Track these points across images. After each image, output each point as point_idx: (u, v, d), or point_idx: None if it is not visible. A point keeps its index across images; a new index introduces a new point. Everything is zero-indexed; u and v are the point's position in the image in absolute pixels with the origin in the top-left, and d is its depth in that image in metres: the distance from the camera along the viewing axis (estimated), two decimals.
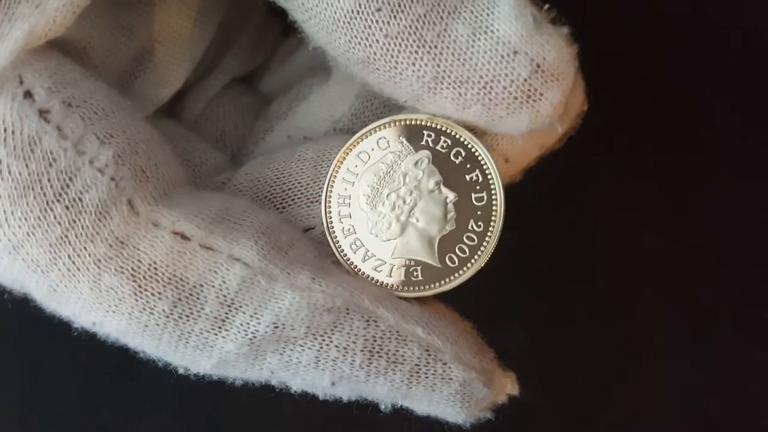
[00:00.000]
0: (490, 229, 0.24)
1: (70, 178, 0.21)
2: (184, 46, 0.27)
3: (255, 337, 0.22)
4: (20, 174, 0.21)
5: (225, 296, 0.22)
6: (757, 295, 0.37)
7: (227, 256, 0.22)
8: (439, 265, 0.24)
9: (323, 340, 0.22)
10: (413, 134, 0.24)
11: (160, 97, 0.28)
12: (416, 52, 0.21)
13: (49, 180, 0.21)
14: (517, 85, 0.21)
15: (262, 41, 0.31)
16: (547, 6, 0.22)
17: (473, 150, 0.23)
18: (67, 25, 0.22)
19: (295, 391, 0.23)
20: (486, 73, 0.21)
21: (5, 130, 0.21)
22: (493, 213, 0.24)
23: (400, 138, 0.24)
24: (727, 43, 0.36)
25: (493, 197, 0.24)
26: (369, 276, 0.24)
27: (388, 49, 0.22)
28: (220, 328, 0.22)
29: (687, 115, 0.36)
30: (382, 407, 0.23)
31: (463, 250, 0.24)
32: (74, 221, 0.21)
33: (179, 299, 0.22)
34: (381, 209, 0.24)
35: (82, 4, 0.22)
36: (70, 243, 0.21)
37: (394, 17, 0.21)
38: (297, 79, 0.29)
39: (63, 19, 0.21)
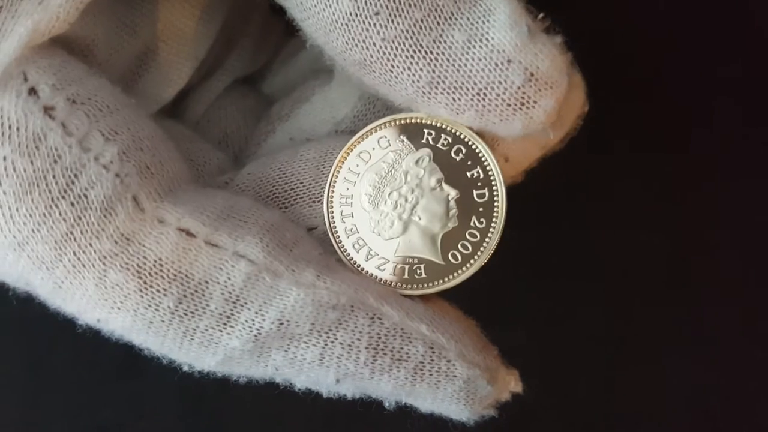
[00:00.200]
0: (492, 225, 0.24)
1: (75, 175, 0.21)
2: (188, 45, 0.27)
3: (260, 333, 0.22)
4: (25, 170, 0.21)
5: (230, 293, 0.22)
6: (757, 295, 0.37)
7: (232, 252, 0.22)
8: (442, 263, 0.24)
9: (328, 337, 0.22)
10: (414, 132, 0.24)
11: (163, 96, 0.28)
12: (412, 56, 0.22)
13: (54, 176, 0.21)
14: (510, 93, 0.22)
15: (264, 42, 0.31)
16: (541, 15, 0.22)
17: (474, 147, 0.23)
18: (70, 21, 0.22)
19: (299, 389, 0.23)
20: (480, 80, 0.22)
21: (10, 126, 0.21)
22: (495, 209, 0.24)
23: (401, 136, 0.24)
24: (727, 43, 0.36)
25: (495, 194, 0.24)
26: (372, 275, 0.24)
27: (384, 53, 0.22)
28: (225, 324, 0.22)
29: (687, 115, 0.36)
30: (386, 405, 0.23)
31: (465, 247, 0.24)
32: (79, 218, 0.21)
33: (184, 296, 0.22)
34: (383, 208, 0.24)
35: (86, 0, 0.22)
36: (75, 239, 0.21)
37: (392, 21, 0.21)
38: (300, 81, 0.29)
39: (66, 15, 0.21)
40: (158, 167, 0.22)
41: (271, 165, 0.25)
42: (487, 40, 0.21)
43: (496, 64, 0.21)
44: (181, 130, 0.28)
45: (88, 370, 0.36)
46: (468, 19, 0.22)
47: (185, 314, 0.22)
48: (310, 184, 0.25)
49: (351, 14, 0.22)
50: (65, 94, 0.21)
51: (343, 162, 0.24)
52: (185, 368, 0.23)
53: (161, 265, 0.21)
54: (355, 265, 0.24)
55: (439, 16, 0.21)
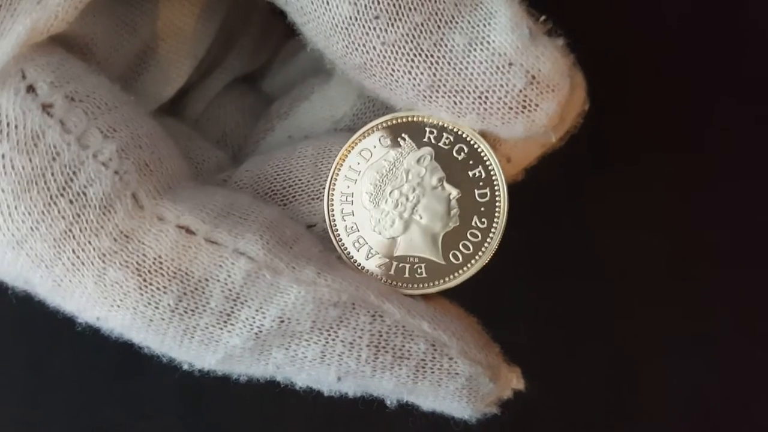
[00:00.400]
0: (494, 225, 0.24)
1: (74, 172, 0.21)
2: (187, 44, 0.27)
3: (260, 331, 0.22)
4: (23, 168, 0.21)
5: (230, 290, 0.22)
6: (757, 295, 0.37)
7: (232, 250, 0.22)
8: (443, 262, 0.24)
9: (329, 334, 0.22)
10: (415, 131, 0.24)
11: (163, 95, 0.28)
12: (413, 60, 0.22)
13: (52, 174, 0.21)
14: (512, 96, 0.22)
15: (264, 41, 0.31)
16: (543, 18, 0.22)
17: (476, 146, 0.23)
18: (69, 20, 0.22)
19: (300, 388, 0.23)
20: (481, 83, 0.22)
21: (8, 124, 0.21)
22: (497, 209, 0.24)
23: (403, 135, 0.24)
24: (727, 44, 0.36)
25: (497, 193, 0.24)
26: (373, 273, 0.24)
27: (384, 57, 0.22)
28: (225, 322, 0.22)
29: (687, 115, 0.36)
30: (388, 403, 0.23)
31: (467, 247, 0.24)
32: (78, 215, 0.21)
33: (184, 293, 0.21)
34: (384, 207, 0.24)
35: (85, 0, 0.22)
36: (74, 237, 0.21)
37: (392, 25, 0.21)
38: (299, 80, 0.29)
39: (65, 14, 0.21)
40: (157, 164, 0.22)
41: (269, 162, 0.25)
42: (488, 43, 0.21)
43: (498, 67, 0.21)
44: (180, 128, 0.28)
45: (88, 370, 0.36)
46: (469, 22, 0.22)
47: (185, 312, 0.22)
48: (308, 181, 0.24)
49: (351, 18, 0.22)
50: (63, 91, 0.21)
51: (344, 160, 0.24)
52: (185, 367, 0.23)
53: (161, 263, 0.21)
54: (356, 264, 0.24)
55: (440, 19, 0.21)
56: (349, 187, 0.24)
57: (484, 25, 0.22)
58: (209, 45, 0.28)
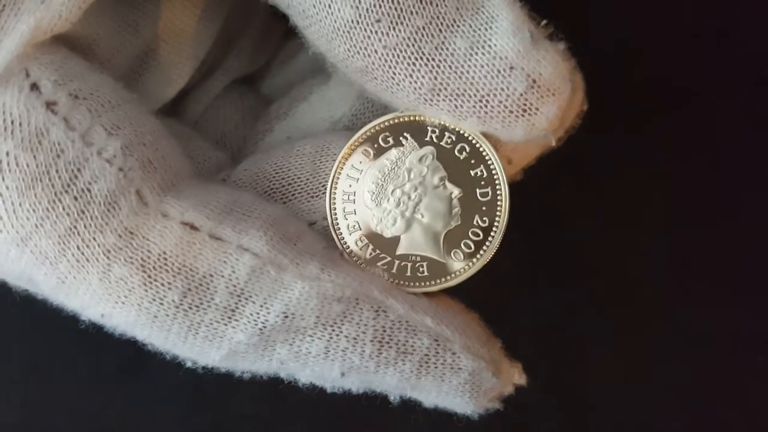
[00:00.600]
0: (495, 224, 0.24)
1: (79, 169, 0.21)
2: (188, 45, 0.27)
3: (265, 327, 0.22)
4: (28, 166, 0.21)
5: (235, 286, 0.22)
6: (758, 296, 0.37)
7: (236, 246, 0.22)
8: (445, 261, 0.24)
9: (333, 330, 0.22)
10: (417, 130, 0.24)
11: (164, 96, 0.28)
12: (414, 63, 0.22)
13: (57, 171, 0.21)
14: (513, 100, 0.22)
15: (264, 43, 0.31)
16: (544, 22, 0.22)
17: (478, 146, 0.23)
18: (73, 20, 0.22)
19: (303, 385, 0.23)
20: (482, 87, 0.22)
21: (12, 122, 0.21)
22: (498, 208, 0.24)
23: (405, 134, 0.24)
24: (727, 44, 0.36)
25: (498, 193, 0.24)
26: (375, 272, 0.24)
27: (386, 60, 0.22)
28: (230, 318, 0.22)
29: (687, 115, 0.36)
30: (391, 399, 0.23)
31: (468, 246, 0.24)
32: (83, 212, 0.21)
33: (189, 289, 0.22)
34: (386, 205, 0.24)
35: (89, 0, 0.22)
36: (79, 234, 0.21)
37: (394, 29, 0.21)
38: (298, 81, 0.29)
39: (69, 14, 0.21)
40: (161, 162, 0.22)
41: (267, 160, 0.25)
42: (489, 46, 0.22)
43: (499, 71, 0.21)
44: (180, 129, 0.28)
45: (90, 373, 0.35)
46: (470, 26, 0.22)
47: (190, 308, 0.22)
48: (307, 179, 0.25)
49: (353, 21, 0.22)
50: (67, 89, 0.21)
51: (346, 159, 0.24)
52: (188, 364, 0.23)
53: (165, 259, 0.21)
54: (358, 262, 0.24)
55: (441, 23, 0.22)
56: (351, 185, 0.24)
57: (486, 29, 0.22)
58: (210, 46, 0.28)
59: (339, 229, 0.24)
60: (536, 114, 0.22)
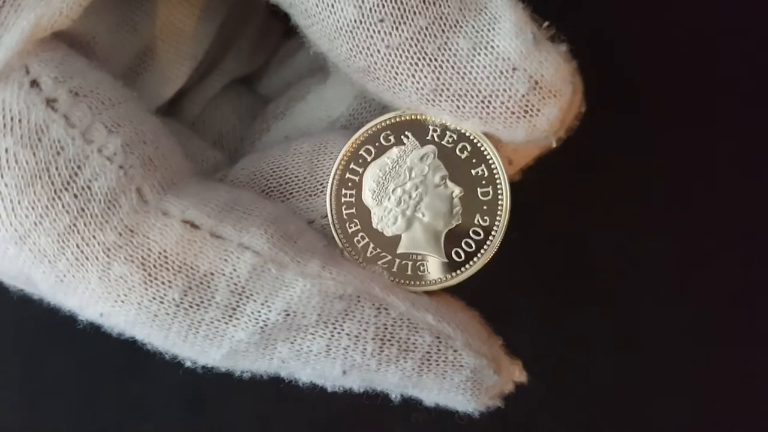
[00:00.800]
0: (496, 223, 0.24)
1: (79, 167, 0.21)
2: (187, 44, 0.27)
3: (266, 325, 0.22)
4: (27, 163, 0.20)
5: (236, 284, 0.22)
6: (758, 295, 0.37)
7: (237, 244, 0.22)
8: (446, 260, 0.24)
9: (334, 328, 0.22)
10: (419, 129, 0.24)
11: (162, 95, 0.28)
12: (416, 64, 0.22)
13: (57, 168, 0.21)
14: (514, 101, 0.22)
15: (262, 43, 0.31)
16: (546, 23, 0.22)
17: (479, 145, 0.23)
18: (73, 17, 0.22)
19: (303, 385, 0.23)
20: (485, 87, 0.22)
21: (12, 118, 0.20)
22: (499, 208, 0.24)
23: (406, 133, 0.24)
24: (727, 44, 0.37)
25: (499, 192, 0.24)
26: (375, 270, 0.24)
27: (388, 60, 0.22)
28: (230, 316, 0.22)
29: (687, 115, 0.36)
30: (393, 397, 0.23)
31: (469, 245, 0.24)
32: (83, 210, 0.21)
33: (189, 288, 0.21)
34: (387, 204, 0.24)
35: None
36: (78, 232, 0.21)
37: (396, 29, 0.21)
38: (296, 82, 0.29)
39: (69, 11, 0.21)
40: (161, 160, 0.22)
41: (264, 159, 0.25)
42: (492, 47, 0.22)
43: (501, 72, 0.22)
44: (177, 128, 0.28)
45: (89, 372, 0.35)
46: (473, 26, 0.22)
47: (190, 306, 0.21)
48: (305, 178, 0.24)
49: (355, 21, 0.22)
50: (67, 86, 0.21)
51: (347, 157, 0.24)
52: (188, 364, 0.23)
53: (166, 257, 0.21)
54: (358, 261, 0.24)
55: (444, 23, 0.21)
56: (351, 184, 0.24)
57: (489, 30, 0.22)
58: (208, 46, 0.28)
59: (339, 227, 0.24)
60: (538, 115, 0.22)
